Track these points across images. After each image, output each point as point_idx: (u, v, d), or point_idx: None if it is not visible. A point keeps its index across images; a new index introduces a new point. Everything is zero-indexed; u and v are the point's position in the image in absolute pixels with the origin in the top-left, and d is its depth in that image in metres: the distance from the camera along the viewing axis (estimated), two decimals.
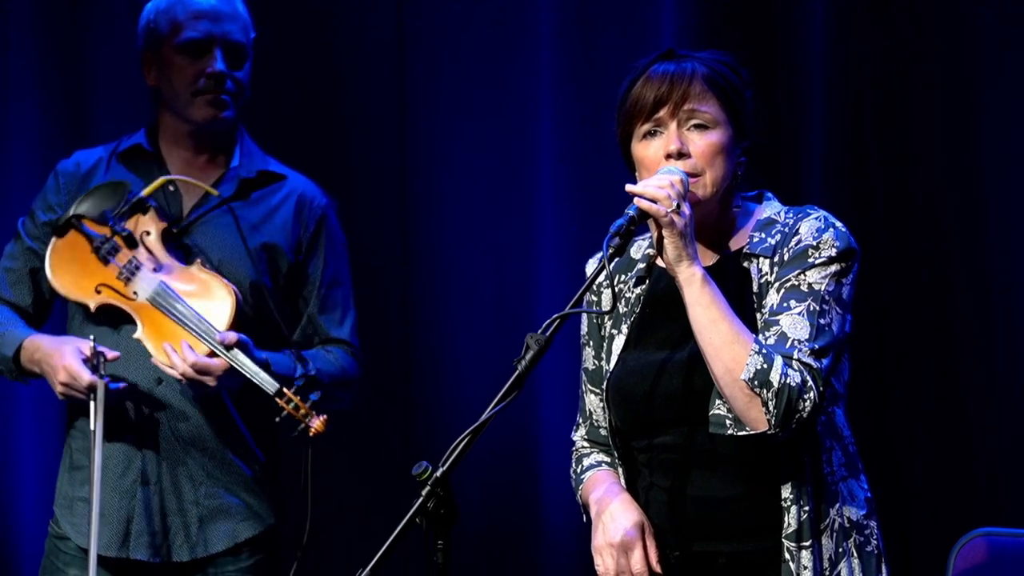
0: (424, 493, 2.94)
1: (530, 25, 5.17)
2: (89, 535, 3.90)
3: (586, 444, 3.48)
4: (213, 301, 3.98)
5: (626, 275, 3.40)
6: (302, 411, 3.92)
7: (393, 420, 5.19)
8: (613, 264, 3.39)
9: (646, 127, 3.26)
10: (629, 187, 3.15)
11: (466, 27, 5.21)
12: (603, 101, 5.13)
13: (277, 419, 3.94)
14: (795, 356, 3.14)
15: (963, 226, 4.93)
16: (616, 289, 3.40)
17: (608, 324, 3.40)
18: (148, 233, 4.04)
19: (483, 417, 2.95)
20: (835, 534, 3.23)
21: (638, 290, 3.36)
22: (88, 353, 3.93)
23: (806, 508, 3.20)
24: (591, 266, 3.40)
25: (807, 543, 3.20)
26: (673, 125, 3.24)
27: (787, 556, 3.21)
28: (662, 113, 3.24)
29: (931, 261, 4.97)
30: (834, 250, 3.21)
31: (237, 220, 4.09)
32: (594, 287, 3.42)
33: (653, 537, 3.25)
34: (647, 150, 3.26)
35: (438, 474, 2.94)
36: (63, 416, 4.19)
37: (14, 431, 5.20)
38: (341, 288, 4.20)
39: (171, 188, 4.10)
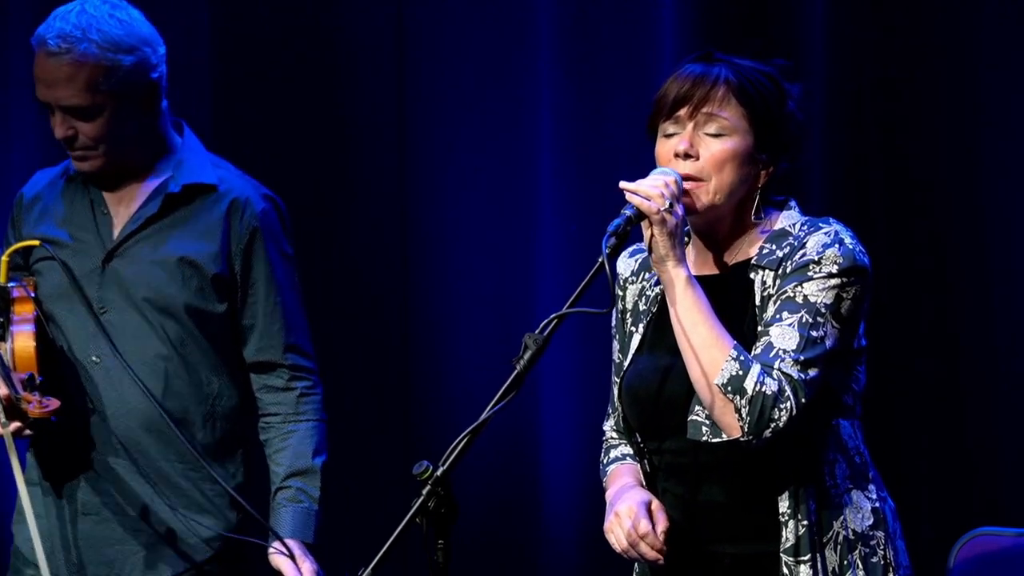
0: (424, 492, 2.94)
1: (530, 24, 5.17)
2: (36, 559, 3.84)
3: (615, 435, 3.48)
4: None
5: (649, 272, 3.39)
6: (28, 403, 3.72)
7: (393, 420, 5.19)
8: (639, 260, 3.40)
9: (666, 124, 3.27)
10: (623, 184, 3.15)
11: (466, 26, 5.20)
12: (603, 100, 5.18)
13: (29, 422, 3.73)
14: (776, 365, 3.12)
15: (963, 225, 4.93)
16: (640, 286, 3.40)
17: (629, 320, 3.40)
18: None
19: (482, 417, 2.95)
20: (839, 546, 3.21)
21: (657, 289, 3.35)
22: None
23: (804, 523, 3.19)
24: (622, 262, 3.43)
25: (805, 557, 3.19)
26: (690, 126, 3.24)
27: (785, 571, 3.19)
28: (681, 113, 3.25)
29: (931, 261, 4.97)
30: (835, 266, 3.17)
31: (164, 241, 3.88)
32: (620, 282, 3.43)
33: (663, 513, 3.21)
34: (663, 147, 3.26)
35: (438, 473, 2.94)
36: None
37: None
38: (287, 296, 3.95)
39: (104, 212, 3.91)
